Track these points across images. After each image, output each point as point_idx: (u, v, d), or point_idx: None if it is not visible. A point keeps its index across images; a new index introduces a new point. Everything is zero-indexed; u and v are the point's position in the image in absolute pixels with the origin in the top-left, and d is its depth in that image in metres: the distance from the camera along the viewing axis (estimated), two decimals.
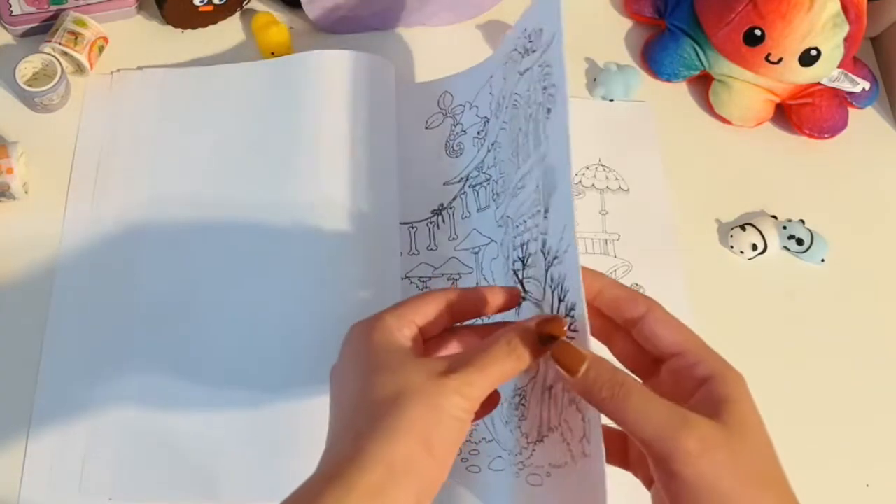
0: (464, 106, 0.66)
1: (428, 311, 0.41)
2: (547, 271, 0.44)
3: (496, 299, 0.43)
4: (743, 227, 0.67)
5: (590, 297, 0.42)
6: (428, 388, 0.37)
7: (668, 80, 0.73)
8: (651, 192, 0.68)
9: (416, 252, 0.62)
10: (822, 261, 0.67)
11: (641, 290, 0.64)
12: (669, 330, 0.41)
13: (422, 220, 0.64)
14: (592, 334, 0.40)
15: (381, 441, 0.35)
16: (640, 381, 0.39)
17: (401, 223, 0.63)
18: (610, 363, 0.39)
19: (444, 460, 0.37)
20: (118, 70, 0.67)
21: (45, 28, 0.66)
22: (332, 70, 0.65)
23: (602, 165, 0.69)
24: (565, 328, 0.39)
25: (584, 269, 0.40)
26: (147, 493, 0.53)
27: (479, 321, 0.44)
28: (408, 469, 0.35)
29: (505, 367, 0.38)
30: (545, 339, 0.38)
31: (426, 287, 0.61)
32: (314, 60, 0.65)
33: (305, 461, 0.37)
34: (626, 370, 0.39)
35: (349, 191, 0.61)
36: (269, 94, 0.65)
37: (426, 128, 0.67)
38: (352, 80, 0.65)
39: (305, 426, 0.54)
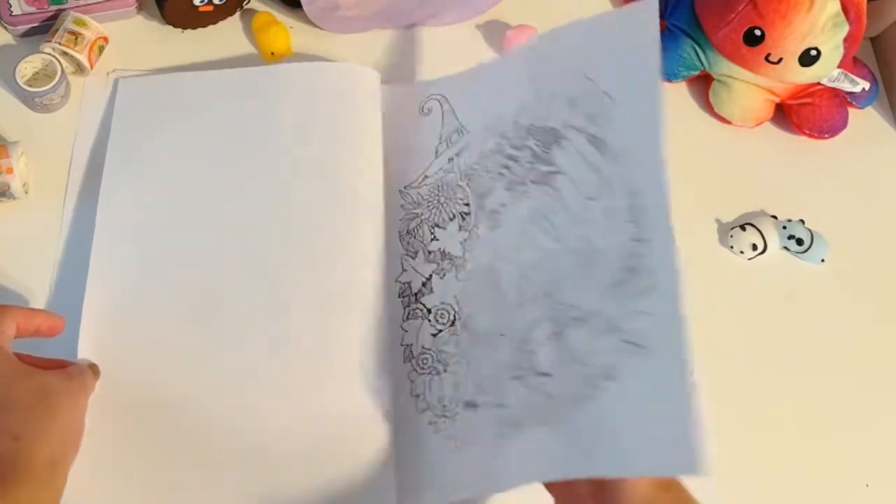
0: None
1: (9, 328, 0.48)
2: None
3: (50, 322, 0.51)
4: (743, 227, 0.67)
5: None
6: (70, 389, 0.48)
7: (668, 80, 0.73)
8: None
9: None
10: (822, 261, 0.67)
11: None
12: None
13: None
14: None
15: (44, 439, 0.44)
16: None
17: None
18: None
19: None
20: (114, 70, 0.67)
21: (45, 28, 0.66)
22: (315, 83, 0.65)
23: None
24: None
25: None
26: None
27: None
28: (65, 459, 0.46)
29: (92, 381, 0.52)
30: None
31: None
32: (299, 72, 0.66)
33: None
34: None
35: (331, 205, 0.61)
36: (255, 103, 0.65)
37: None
38: (333, 93, 0.65)
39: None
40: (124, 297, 0.58)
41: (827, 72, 0.69)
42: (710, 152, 0.72)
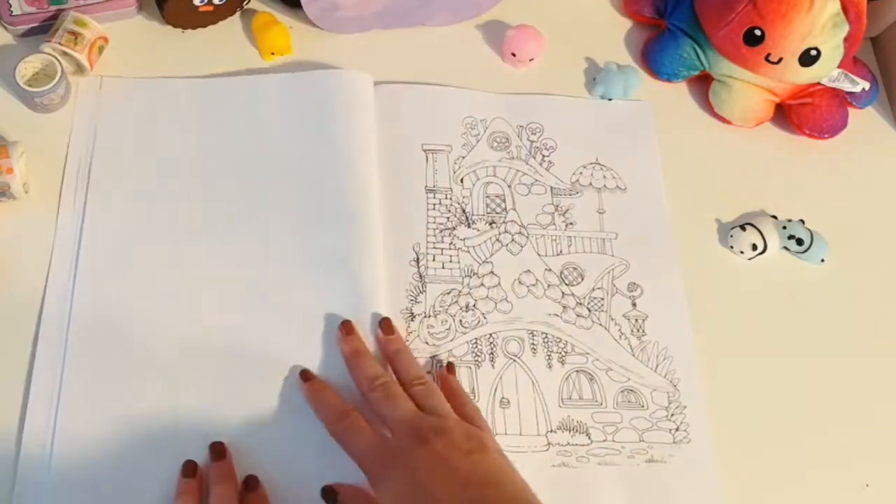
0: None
1: None
2: None
3: None
4: (743, 227, 0.67)
5: None
6: None
7: (668, 80, 0.73)
8: (649, 191, 0.68)
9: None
10: (822, 261, 0.67)
11: (639, 290, 0.64)
12: None
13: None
14: None
15: None
16: None
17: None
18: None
19: None
20: (105, 76, 0.66)
21: (45, 28, 0.66)
22: (302, 92, 0.66)
23: (599, 164, 0.69)
24: None
25: None
26: None
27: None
28: None
29: None
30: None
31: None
32: (284, 82, 0.67)
33: None
34: None
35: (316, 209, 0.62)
36: (250, 111, 0.66)
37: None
38: (321, 101, 0.65)
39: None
40: (108, 308, 0.58)
41: (827, 72, 0.69)
42: (710, 152, 0.72)
